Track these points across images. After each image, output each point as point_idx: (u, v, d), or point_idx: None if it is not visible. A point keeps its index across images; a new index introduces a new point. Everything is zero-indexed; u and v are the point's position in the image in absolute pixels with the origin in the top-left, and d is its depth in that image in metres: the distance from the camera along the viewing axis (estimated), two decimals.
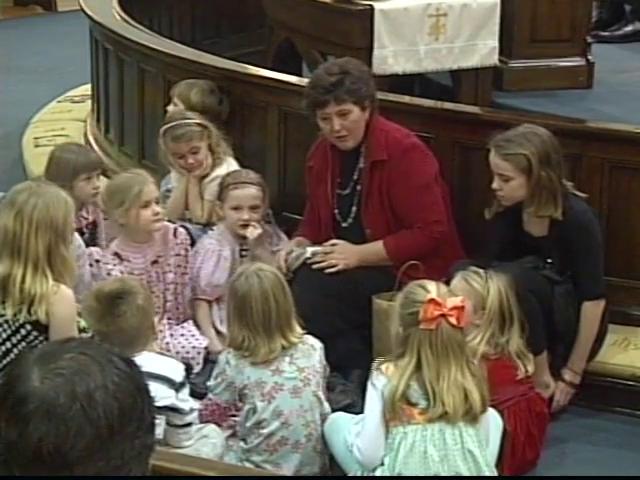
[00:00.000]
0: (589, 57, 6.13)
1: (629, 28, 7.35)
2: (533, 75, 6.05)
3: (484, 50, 5.72)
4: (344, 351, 4.32)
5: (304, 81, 5.01)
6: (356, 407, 3.97)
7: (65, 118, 7.44)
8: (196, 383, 4.22)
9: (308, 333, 3.93)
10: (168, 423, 3.70)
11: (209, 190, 5.04)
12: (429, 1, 5.61)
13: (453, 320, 3.51)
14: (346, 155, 4.61)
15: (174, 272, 4.66)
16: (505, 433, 3.84)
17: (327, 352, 3.97)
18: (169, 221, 4.77)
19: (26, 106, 7.76)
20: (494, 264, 4.27)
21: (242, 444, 3.88)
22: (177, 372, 3.70)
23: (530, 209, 4.33)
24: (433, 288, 3.58)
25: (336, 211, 4.67)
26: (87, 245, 4.66)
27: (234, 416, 3.98)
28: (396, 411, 3.51)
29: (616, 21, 7.41)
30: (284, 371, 3.83)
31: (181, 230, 4.75)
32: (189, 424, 3.74)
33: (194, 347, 4.53)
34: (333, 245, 4.55)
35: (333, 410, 3.95)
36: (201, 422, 3.90)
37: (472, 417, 3.52)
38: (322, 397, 3.90)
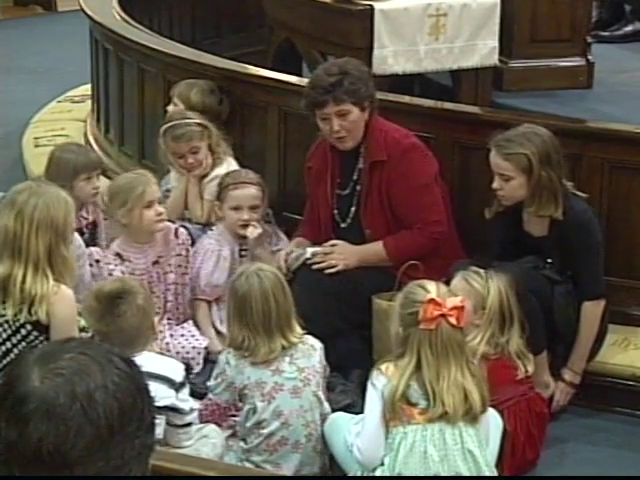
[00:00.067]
0: (589, 57, 6.13)
1: (629, 28, 7.35)
2: (533, 75, 6.05)
3: (484, 50, 5.72)
4: (344, 351, 4.32)
5: (304, 81, 5.01)
6: (356, 407, 3.97)
7: (65, 118, 7.44)
8: (196, 383, 4.22)
9: (308, 333, 3.93)
10: (168, 423, 3.70)
11: (209, 190, 5.04)
12: (429, 1, 5.61)
13: (453, 320, 3.51)
14: (345, 155, 4.61)
15: (175, 272, 4.66)
16: (505, 433, 3.84)
17: (327, 352, 3.97)
18: (169, 221, 4.77)
19: (26, 106, 7.75)
20: (494, 264, 4.27)
21: (242, 444, 3.88)
22: (177, 372, 3.70)
23: (530, 209, 4.33)
24: (433, 288, 3.58)
25: (335, 211, 4.67)
26: (87, 245, 4.66)
27: (234, 416, 3.98)
28: (396, 411, 3.51)
29: (616, 21, 7.42)
30: (284, 371, 3.83)
31: (182, 230, 4.75)
32: (189, 424, 3.75)
33: (194, 347, 4.53)
34: (333, 246, 4.55)
35: (333, 410, 3.95)
36: (201, 422, 3.90)
37: (472, 417, 3.52)
38: (322, 397, 3.90)
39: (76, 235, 4.28)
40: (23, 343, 3.71)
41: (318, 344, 3.95)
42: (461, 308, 3.54)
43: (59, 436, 1.49)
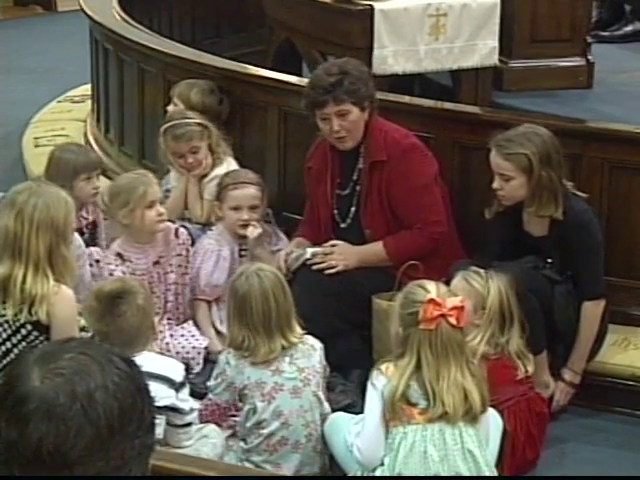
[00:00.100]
0: (589, 57, 6.13)
1: (629, 28, 7.35)
2: (533, 75, 6.05)
3: (484, 50, 5.72)
4: (344, 351, 4.32)
5: (304, 81, 5.01)
6: (356, 407, 3.97)
7: (65, 118, 7.44)
8: (196, 383, 4.22)
9: (308, 333, 3.93)
10: (168, 423, 3.70)
11: (208, 190, 5.04)
12: (429, 1, 5.61)
13: (453, 320, 3.51)
14: (345, 155, 4.61)
15: (175, 272, 4.66)
16: (505, 433, 3.84)
17: (327, 352, 3.97)
18: (169, 221, 4.77)
19: (26, 106, 7.76)
20: (494, 264, 4.27)
21: (242, 444, 3.88)
22: (177, 372, 3.70)
23: (530, 209, 4.33)
24: (433, 288, 3.58)
25: (335, 211, 4.67)
26: (87, 245, 4.66)
27: (234, 416, 3.98)
28: (396, 411, 3.51)
29: (616, 21, 7.42)
30: (284, 371, 3.83)
31: (182, 230, 4.75)
32: (189, 424, 3.75)
33: (194, 347, 4.53)
34: (333, 246, 4.55)
35: (333, 410, 3.95)
36: (201, 422, 3.90)
37: (472, 417, 3.52)
38: (322, 397, 3.90)
39: (76, 235, 4.28)
40: (23, 343, 3.70)
41: (318, 344, 3.95)
42: (461, 308, 3.54)
43: (59, 436, 1.49)
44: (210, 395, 3.95)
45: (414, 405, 3.52)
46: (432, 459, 3.49)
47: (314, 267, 4.48)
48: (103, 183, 5.24)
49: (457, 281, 4.10)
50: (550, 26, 6.03)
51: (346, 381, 4.29)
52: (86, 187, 4.89)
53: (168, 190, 5.18)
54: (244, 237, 4.77)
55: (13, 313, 3.69)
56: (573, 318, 4.32)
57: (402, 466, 3.51)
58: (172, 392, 3.63)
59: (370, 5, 5.55)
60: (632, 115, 5.53)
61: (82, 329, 3.91)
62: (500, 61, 5.87)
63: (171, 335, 4.56)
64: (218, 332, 4.64)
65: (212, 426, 3.90)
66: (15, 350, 3.71)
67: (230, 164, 5.12)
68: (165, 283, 4.64)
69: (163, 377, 3.60)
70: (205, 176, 5.09)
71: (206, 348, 4.54)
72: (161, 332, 4.39)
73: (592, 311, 4.34)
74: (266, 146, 5.41)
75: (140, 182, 4.56)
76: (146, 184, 4.55)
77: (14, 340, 3.72)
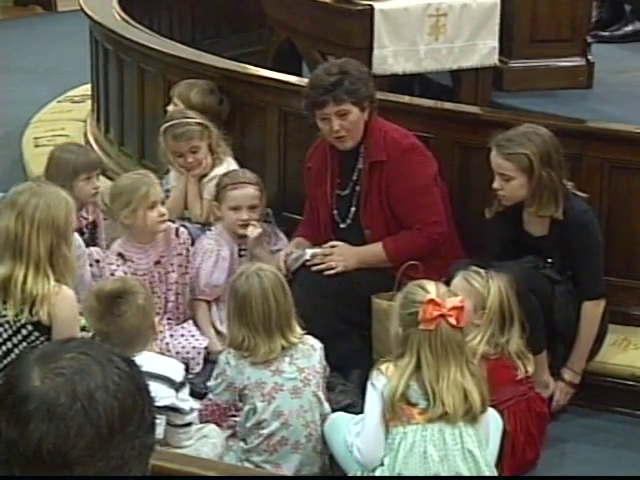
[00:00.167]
0: (589, 57, 6.13)
1: (629, 28, 7.35)
2: (533, 75, 6.05)
3: (484, 50, 5.72)
4: (344, 351, 4.32)
5: (304, 81, 5.01)
6: (356, 407, 3.97)
7: (65, 118, 7.44)
8: (196, 383, 4.22)
9: (308, 333, 3.93)
10: (168, 423, 3.70)
11: (208, 190, 5.04)
12: (429, 1, 5.61)
13: (452, 320, 3.51)
14: (345, 156, 4.61)
15: (176, 272, 4.66)
16: (505, 433, 3.84)
17: (327, 352, 3.97)
18: (169, 220, 4.77)
19: (26, 106, 7.75)
20: (494, 264, 4.27)
21: (242, 444, 3.88)
22: (177, 372, 3.70)
23: (531, 209, 4.33)
24: (432, 288, 3.58)
25: (335, 212, 4.67)
26: (87, 245, 4.66)
27: (234, 416, 3.98)
28: (396, 411, 3.51)
29: (616, 21, 7.42)
30: (284, 371, 3.83)
31: (182, 230, 4.76)
32: (189, 424, 3.75)
33: (194, 347, 4.53)
34: (332, 247, 4.55)
35: (333, 410, 3.95)
36: (201, 422, 3.90)
37: (472, 417, 3.52)
38: (322, 397, 3.90)
39: (76, 235, 4.27)
40: (24, 343, 3.70)
41: (318, 344, 3.95)
42: (460, 308, 3.54)
43: (59, 436, 1.49)
44: (210, 395, 3.95)
45: (414, 405, 3.52)
46: (432, 459, 3.49)
47: (313, 268, 4.48)
48: (103, 183, 5.25)
49: (457, 281, 4.10)
50: (550, 26, 6.04)
51: (346, 381, 4.29)
52: (86, 187, 4.89)
53: (168, 190, 5.18)
54: (243, 237, 4.77)
55: (14, 313, 3.69)
56: (573, 318, 4.32)
57: (402, 466, 3.51)
58: (172, 392, 3.63)
59: (370, 5, 5.55)
60: (632, 115, 5.53)
61: (83, 329, 3.91)
62: (500, 61, 5.87)
63: (171, 335, 4.56)
64: (218, 332, 4.64)
65: (212, 426, 3.90)
66: (16, 350, 3.71)
67: (230, 164, 5.12)
68: (166, 283, 4.64)
69: (163, 377, 3.60)
70: (205, 176, 5.10)
71: (206, 348, 4.54)
72: (161, 332, 4.39)
73: (592, 311, 4.34)
74: (266, 146, 5.41)
75: (142, 182, 4.56)
76: (148, 184, 4.55)
77: (15, 340, 3.72)
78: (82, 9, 6.84)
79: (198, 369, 4.49)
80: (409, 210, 4.53)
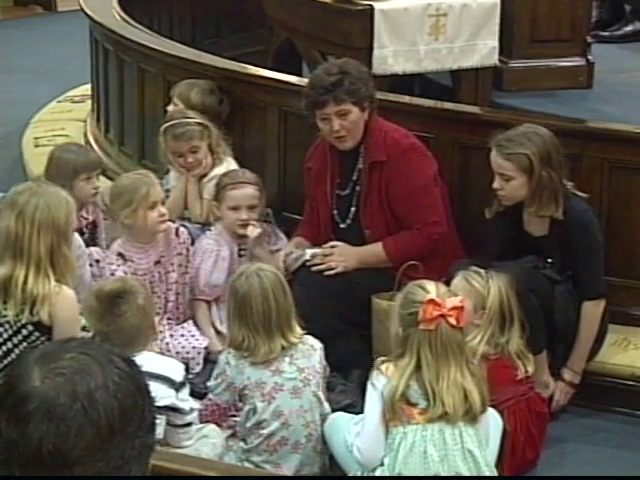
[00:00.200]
0: (589, 57, 6.13)
1: (629, 28, 7.35)
2: (533, 75, 6.05)
3: (484, 50, 5.72)
4: (344, 351, 4.32)
5: (304, 81, 5.01)
6: (356, 407, 3.97)
7: (65, 118, 7.44)
8: (196, 383, 4.22)
9: (308, 334, 3.93)
10: (168, 423, 3.70)
11: (208, 190, 5.04)
12: (429, 1, 5.61)
13: (452, 320, 3.51)
14: (345, 156, 4.61)
15: (176, 271, 4.66)
16: (505, 433, 3.84)
17: (327, 352, 3.97)
18: (169, 220, 4.77)
19: (26, 106, 7.76)
20: (494, 264, 4.27)
21: (242, 444, 3.88)
22: (177, 372, 3.70)
23: (531, 209, 4.33)
24: (432, 288, 3.58)
25: (335, 212, 4.67)
26: (87, 245, 4.66)
27: (234, 416, 3.98)
28: (396, 411, 3.51)
29: (616, 21, 7.42)
30: (284, 371, 3.83)
31: (182, 229, 4.76)
32: (189, 424, 3.75)
33: (194, 347, 4.53)
34: (332, 247, 4.55)
35: (333, 410, 3.95)
36: (201, 422, 3.90)
37: (472, 417, 3.52)
38: (322, 397, 3.90)
39: (76, 235, 4.28)
40: (24, 344, 3.70)
41: (318, 344, 3.95)
42: (460, 308, 3.54)
43: (59, 436, 1.49)
44: (210, 395, 3.95)
45: (414, 405, 3.52)
46: (432, 459, 3.49)
47: (313, 269, 4.48)
48: (103, 183, 5.25)
49: (457, 281, 4.10)
50: (550, 26, 6.04)
51: (346, 381, 4.29)
52: (86, 187, 4.89)
53: (168, 190, 5.18)
54: (243, 237, 4.77)
55: (14, 313, 3.69)
56: (573, 318, 4.32)
57: (402, 466, 3.51)
58: (172, 392, 3.63)
59: (370, 5, 5.55)
60: (632, 115, 5.53)
61: (83, 328, 3.91)
62: (500, 61, 5.87)
63: (171, 335, 4.56)
64: (218, 332, 4.64)
65: (212, 426, 3.90)
66: (16, 350, 3.71)
67: (230, 164, 5.12)
68: (166, 282, 4.64)
69: (163, 377, 3.60)
70: (205, 176, 5.10)
71: (206, 348, 4.54)
72: (161, 332, 4.39)
73: (592, 311, 4.34)
74: (266, 146, 5.41)
75: (143, 182, 4.56)
76: (149, 184, 4.56)
77: (15, 340, 3.72)
78: (82, 9, 6.84)
79: (198, 369, 4.49)
80: (409, 210, 4.53)
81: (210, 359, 4.46)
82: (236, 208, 4.77)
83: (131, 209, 4.52)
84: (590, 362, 4.43)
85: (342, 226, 4.66)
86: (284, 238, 4.97)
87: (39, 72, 9.05)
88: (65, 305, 3.70)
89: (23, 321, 3.69)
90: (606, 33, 7.25)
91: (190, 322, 4.67)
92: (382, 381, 3.55)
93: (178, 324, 4.65)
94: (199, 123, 5.06)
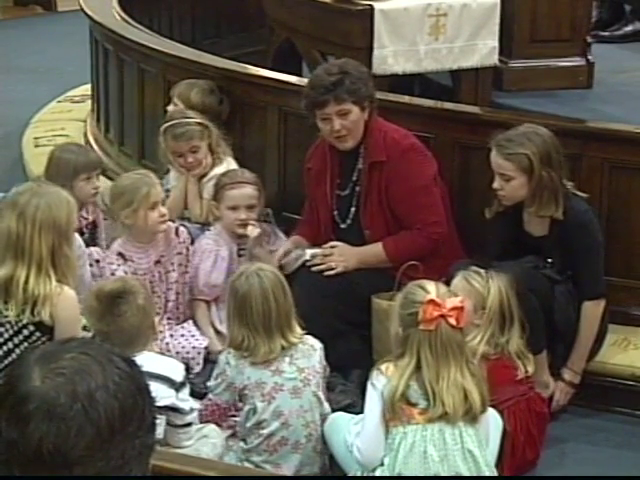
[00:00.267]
0: (589, 57, 6.14)
1: (629, 28, 7.35)
2: (533, 75, 6.05)
3: (484, 50, 5.72)
4: (344, 351, 4.32)
5: (304, 81, 5.01)
6: (356, 407, 3.97)
7: (65, 118, 7.44)
8: (196, 383, 4.22)
9: (308, 334, 3.93)
10: (168, 423, 3.70)
11: (208, 189, 5.04)
12: (429, 1, 5.61)
13: (452, 321, 3.51)
14: (345, 156, 4.61)
15: (177, 271, 4.66)
16: (505, 433, 3.84)
17: (327, 352, 3.97)
18: (169, 220, 4.77)
19: (26, 106, 7.76)
20: (494, 264, 4.27)
21: (242, 444, 3.88)
22: (177, 372, 3.70)
23: (531, 209, 4.33)
24: (432, 289, 3.58)
25: (335, 212, 4.67)
26: (87, 245, 4.66)
27: (234, 416, 3.98)
28: (396, 411, 3.51)
29: (616, 21, 7.42)
30: (284, 371, 3.83)
31: (182, 229, 4.76)
32: (189, 424, 3.75)
33: (194, 347, 4.53)
34: (332, 247, 4.55)
35: (333, 410, 3.95)
36: (201, 422, 3.90)
37: (472, 417, 3.52)
38: (322, 397, 3.90)
39: (76, 235, 4.27)
40: (25, 344, 3.70)
41: (318, 344, 3.95)
42: (460, 309, 3.54)
43: (60, 436, 1.49)
44: (210, 395, 3.95)
45: (414, 405, 3.52)
46: (432, 459, 3.49)
47: (313, 269, 4.48)
48: (103, 183, 5.25)
49: (457, 281, 4.10)
50: (550, 26, 6.04)
51: (346, 381, 4.29)
52: (86, 187, 4.89)
53: (168, 190, 5.19)
54: (242, 237, 4.77)
55: (16, 314, 3.69)
56: (573, 318, 4.32)
57: (402, 466, 3.51)
58: (172, 392, 3.63)
59: (370, 5, 5.55)
60: (632, 115, 5.53)
61: (84, 328, 3.91)
62: (500, 61, 5.87)
63: (171, 335, 4.56)
64: (218, 332, 4.64)
65: (212, 426, 3.90)
66: (17, 350, 3.71)
67: (230, 164, 5.12)
68: (166, 282, 4.64)
69: (163, 377, 3.60)
70: (204, 176, 5.10)
71: (206, 348, 4.54)
72: (161, 332, 4.39)
73: (592, 311, 4.34)
74: (266, 146, 5.41)
75: (143, 182, 4.56)
76: (149, 185, 4.56)
77: (16, 340, 3.72)
78: (82, 9, 6.84)
79: (198, 369, 4.49)
80: (409, 210, 4.53)
81: (210, 359, 4.46)
82: (235, 208, 4.77)
83: (132, 209, 4.52)
84: (590, 362, 4.43)
85: (342, 226, 4.66)
86: (284, 238, 4.96)
87: (39, 72, 9.05)
88: (66, 305, 3.70)
89: (24, 321, 3.69)
90: (606, 33, 7.25)
91: (190, 322, 4.67)
92: (382, 381, 3.55)
93: (178, 324, 4.65)
94: (199, 123, 5.07)
